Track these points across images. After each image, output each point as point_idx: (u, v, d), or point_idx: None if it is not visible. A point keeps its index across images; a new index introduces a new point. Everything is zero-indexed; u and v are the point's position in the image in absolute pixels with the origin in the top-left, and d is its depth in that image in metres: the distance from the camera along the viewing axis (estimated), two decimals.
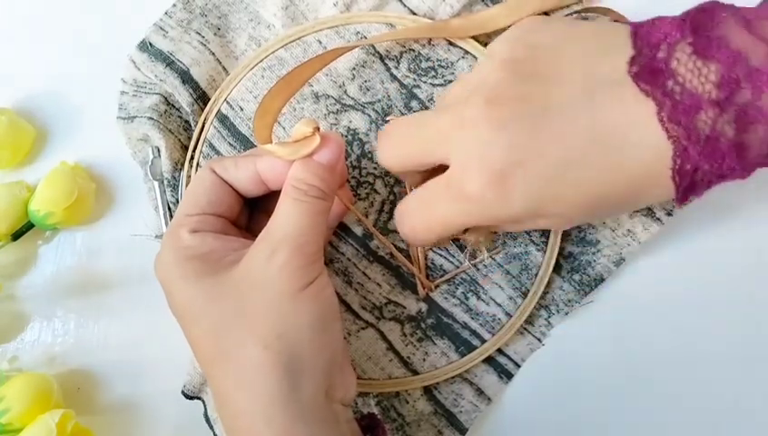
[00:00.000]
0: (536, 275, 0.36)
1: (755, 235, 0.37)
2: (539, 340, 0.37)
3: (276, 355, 0.27)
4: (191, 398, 0.35)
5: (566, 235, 0.37)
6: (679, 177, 0.25)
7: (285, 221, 0.28)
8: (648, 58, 0.26)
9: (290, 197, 0.29)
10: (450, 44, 0.37)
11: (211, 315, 0.28)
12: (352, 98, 0.37)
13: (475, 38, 0.37)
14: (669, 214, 0.35)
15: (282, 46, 0.37)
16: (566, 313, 0.36)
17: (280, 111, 0.33)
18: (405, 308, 0.36)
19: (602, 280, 0.36)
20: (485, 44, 0.37)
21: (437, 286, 0.36)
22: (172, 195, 0.37)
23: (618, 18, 0.36)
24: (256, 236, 0.29)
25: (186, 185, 0.37)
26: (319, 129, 0.29)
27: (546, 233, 0.36)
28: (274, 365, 0.27)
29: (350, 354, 0.36)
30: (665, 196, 0.27)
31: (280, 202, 0.29)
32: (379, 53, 0.37)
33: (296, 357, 0.27)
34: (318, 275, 0.28)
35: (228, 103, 0.37)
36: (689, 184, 0.26)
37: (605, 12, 0.37)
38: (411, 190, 0.35)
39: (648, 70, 0.25)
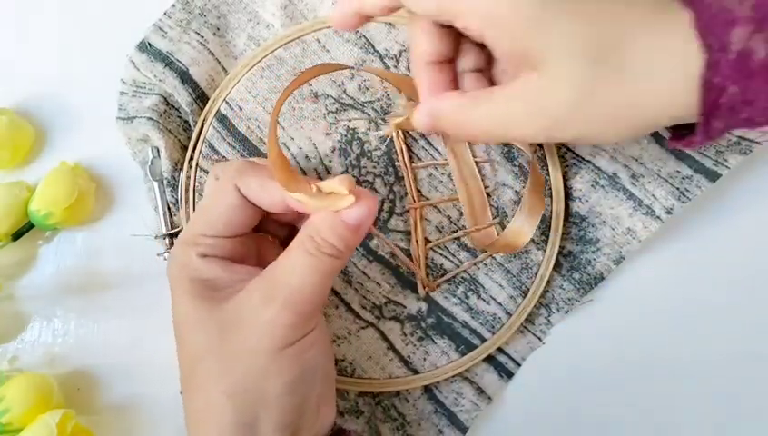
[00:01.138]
0: (537, 274, 0.36)
1: (755, 234, 0.37)
2: (540, 338, 0.37)
3: (237, 407, 0.26)
4: None
5: (565, 234, 0.37)
6: (706, 90, 0.24)
7: (289, 271, 0.27)
8: None
9: (303, 247, 0.27)
10: None
11: (195, 342, 0.28)
12: (351, 97, 0.37)
13: None
14: (669, 213, 0.35)
15: (281, 46, 0.37)
16: (567, 312, 0.36)
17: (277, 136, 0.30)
18: (405, 307, 0.36)
19: (602, 278, 0.36)
20: None
21: (437, 285, 0.36)
22: (172, 195, 0.37)
23: None
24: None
25: (185, 186, 0.37)
26: (353, 190, 0.27)
27: (546, 232, 0.36)
28: (234, 415, 0.26)
29: (352, 354, 0.36)
30: (685, 112, 0.25)
31: (293, 246, 0.27)
32: (378, 52, 0.37)
33: (257, 414, 0.27)
34: (306, 334, 0.27)
35: (227, 102, 0.37)
36: (713, 104, 0.24)
37: None
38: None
39: None
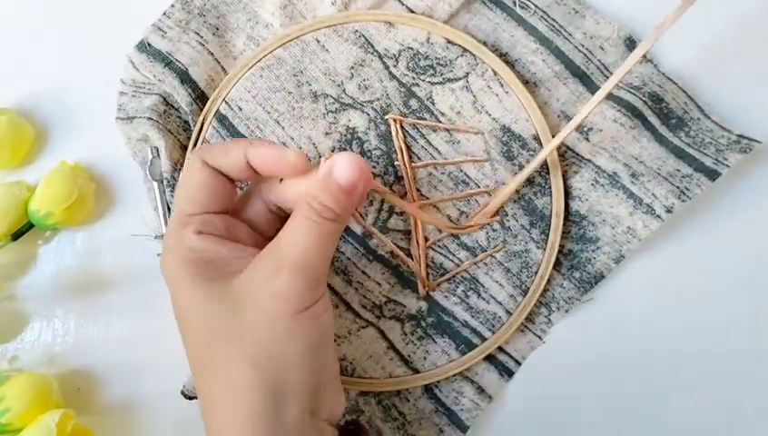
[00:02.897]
0: (537, 273, 0.36)
1: (755, 233, 0.37)
2: (540, 337, 0.37)
3: (263, 375, 0.27)
4: (190, 398, 0.35)
5: (565, 233, 0.37)
6: None
7: (293, 240, 0.28)
8: None
9: (303, 214, 0.28)
10: (449, 42, 0.37)
11: (207, 323, 0.28)
12: (351, 97, 0.37)
13: (473, 36, 0.37)
14: (669, 211, 0.35)
15: (281, 45, 0.37)
16: (567, 311, 0.36)
17: None
18: (405, 307, 0.36)
19: (602, 277, 0.36)
20: (483, 43, 0.37)
21: (437, 285, 0.36)
22: (172, 195, 0.37)
23: None
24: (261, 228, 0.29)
25: None
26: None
27: (546, 232, 0.36)
28: (261, 385, 0.27)
29: (352, 353, 0.36)
30: None
31: (293, 217, 0.28)
32: (377, 51, 0.37)
33: (283, 379, 0.27)
34: (318, 299, 0.28)
35: (226, 102, 0.37)
36: None
37: None
38: None
39: None
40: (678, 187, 0.35)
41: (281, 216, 0.32)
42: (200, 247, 0.29)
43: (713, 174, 0.35)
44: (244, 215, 0.32)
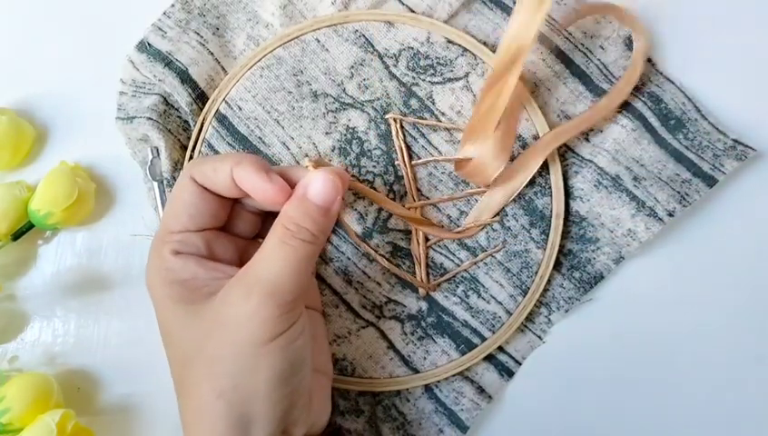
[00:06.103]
0: (537, 273, 0.36)
1: (754, 235, 0.37)
2: (540, 337, 0.37)
3: (228, 405, 0.26)
4: None
5: (566, 233, 0.37)
6: None
7: (266, 264, 0.27)
8: None
9: (277, 238, 0.27)
10: (449, 41, 0.37)
11: (180, 345, 0.28)
12: (351, 96, 0.37)
13: (473, 36, 0.37)
14: (671, 215, 0.35)
15: (281, 45, 0.37)
16: (567, 311, 0.36)
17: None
18: (405, 307, 0.36)
19: (602, 277, 0.36)
20: (483, 43, 0.37)
21: (437, 285, 0.36)
22: None
23: (623, 17, 0.36)
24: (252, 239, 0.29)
25: None
26: (316, 166, 0.28)
27: (546, 232, 0.36)
28: (226, 414, 0.26)
29: (352, 353, 0.36)
30: None
31: (267, 239, 0.27)
32: (377, 51, 0.37)
33: (248, 410, 0.26)
34: (291, 325, 0.27)
35: (227, 102, 0.37)
36: None
37: (612, 10, 0.37)
38: None
39: None
40: (678, 192, 0.35)
41: (266, 216, 0.32)
42: (177, 267, 0.28)
43: (710, 181, 0.35)
44: (231, 225, 0.32)
